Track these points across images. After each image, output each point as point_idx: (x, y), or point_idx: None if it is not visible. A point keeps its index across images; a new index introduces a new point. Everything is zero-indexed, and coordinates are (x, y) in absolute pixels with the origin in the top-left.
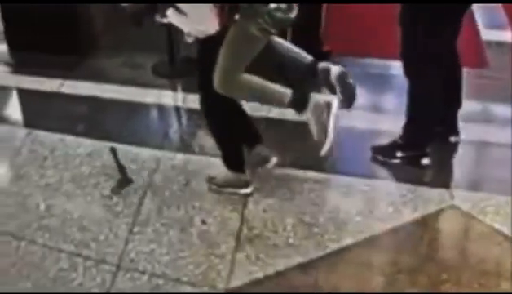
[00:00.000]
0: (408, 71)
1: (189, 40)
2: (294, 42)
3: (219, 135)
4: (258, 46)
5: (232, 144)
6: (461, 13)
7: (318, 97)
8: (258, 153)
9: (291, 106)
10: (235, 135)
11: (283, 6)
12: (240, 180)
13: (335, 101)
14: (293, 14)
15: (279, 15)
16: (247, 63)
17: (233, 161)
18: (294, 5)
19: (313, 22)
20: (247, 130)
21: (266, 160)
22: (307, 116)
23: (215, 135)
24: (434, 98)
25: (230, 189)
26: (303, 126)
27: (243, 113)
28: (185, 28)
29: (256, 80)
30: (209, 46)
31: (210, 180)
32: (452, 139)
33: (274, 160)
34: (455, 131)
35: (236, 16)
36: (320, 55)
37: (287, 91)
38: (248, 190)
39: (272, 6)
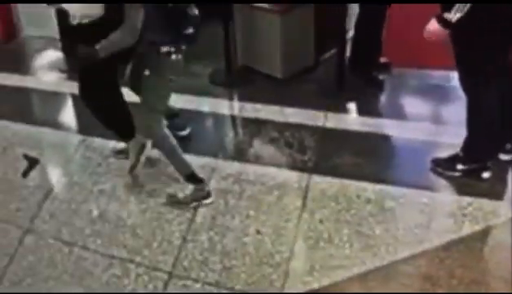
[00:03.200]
0: (461, 84)
1: (74, 22)
2: (354, 53)
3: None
4: None
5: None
6: None
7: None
8: (138, 142)
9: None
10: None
11: None
12: (138, 143)
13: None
14: None
15: None
16: None
17: (124, 130)
18: None
19: (374, 34)
20: (128, 120)
21: (143, 146)
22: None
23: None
24: (489, 111)
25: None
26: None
27: (123, 103)
28: (71, 11)
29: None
30: (88, 32)
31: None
32: (506, 157)
33: (149, 145)
34: (507, 150)
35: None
36: (379, 67)
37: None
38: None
39: None
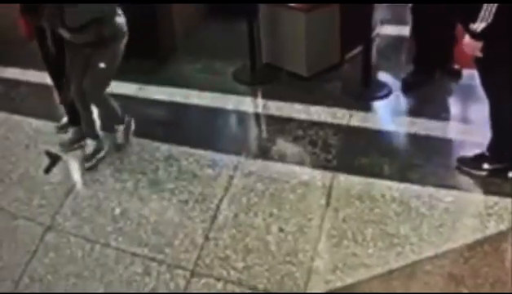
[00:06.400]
0: (482, 85)
1: None
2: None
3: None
4: None
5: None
6: None
7: None
8: (78, 132)
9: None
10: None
11: None
12: (80, 132)
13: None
14: None
15: None
16: None
17: (73, 115)
18: None
19: (447, 40)
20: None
21: (82, 138)
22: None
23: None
24: (510, 113)
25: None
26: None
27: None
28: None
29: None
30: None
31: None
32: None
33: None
34: None
35: None
36: (451, 73)
37: None
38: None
39: None
